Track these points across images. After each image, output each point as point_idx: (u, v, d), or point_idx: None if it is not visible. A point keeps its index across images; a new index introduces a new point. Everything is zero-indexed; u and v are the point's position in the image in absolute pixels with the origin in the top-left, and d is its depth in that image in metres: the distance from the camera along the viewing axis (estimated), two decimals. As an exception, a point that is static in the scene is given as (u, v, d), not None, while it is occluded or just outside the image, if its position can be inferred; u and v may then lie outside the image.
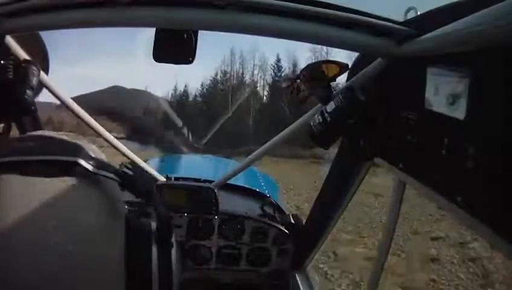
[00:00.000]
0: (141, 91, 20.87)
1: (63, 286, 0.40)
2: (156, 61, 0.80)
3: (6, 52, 0.88)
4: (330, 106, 0.77)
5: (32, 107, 0.91)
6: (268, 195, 1.93)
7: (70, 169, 0.44)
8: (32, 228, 0.40)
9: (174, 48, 0.79)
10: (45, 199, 0.41)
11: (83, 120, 1.27)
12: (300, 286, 1.49)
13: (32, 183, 0.42)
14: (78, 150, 0.47)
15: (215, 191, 1.61)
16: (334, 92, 0.80)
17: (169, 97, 22.00)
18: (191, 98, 22.77)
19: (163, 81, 22.75)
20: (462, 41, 0.48)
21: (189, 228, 1.58)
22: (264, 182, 2.34)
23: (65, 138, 0.50)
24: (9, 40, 0.88)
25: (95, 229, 0.44)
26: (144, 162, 1.60)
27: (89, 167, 0.46)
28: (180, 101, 21.90)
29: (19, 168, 0.42)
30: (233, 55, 21.74)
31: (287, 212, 1.80)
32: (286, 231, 1.58)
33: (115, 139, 1.39)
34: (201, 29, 0.73)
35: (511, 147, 0.45)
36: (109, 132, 1.36)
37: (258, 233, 1.59)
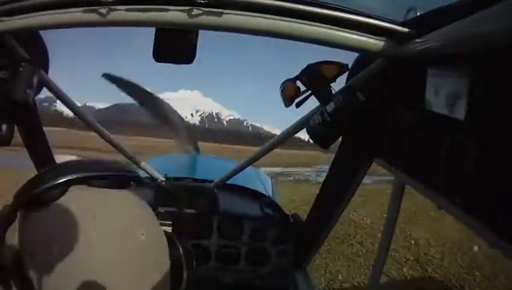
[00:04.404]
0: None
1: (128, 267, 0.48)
2: (155, 60, 0.80)
3: (6, 51, 0.88)
4: (330, 106, 0.77)
5: (32, 106, 0.91)
6: (267, 195, 1.93)
7: (126, 183, 0.54)
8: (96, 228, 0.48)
9: (174, 47, 0.79)
10: (107, 205, 0.49)
11: (82, 119, 1.27)
12: (300, 286, 1.48)
13: (96, 194, 0.50)
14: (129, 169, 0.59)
15: (215, 191, 1.61)
16: (334, 93, 0.80)
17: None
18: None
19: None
20: (462, 41, 0.48)
21: (189, 227, 1.58)
22: (263, 182, 2.34)
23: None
24: (9, 39, 0.88)
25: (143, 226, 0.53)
26: (143, 162, 1.60)
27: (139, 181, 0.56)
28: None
29: (87, 182, 0.50)
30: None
31: (286, 212, 1.80)
32: (285, 231, 1.58)
33: (114, 139, 1.39)
34: (201, 28, 0.73)
35: (510, 147, 0.45)
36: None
37: (258, 233, 1.59)
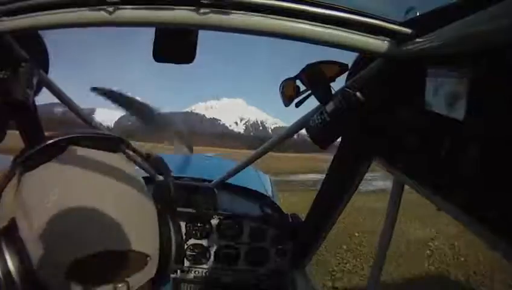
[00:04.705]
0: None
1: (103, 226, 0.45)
2: (155, 60, 0.80)
3: (6, 51, 0.88)
4: (329, 106, 0.77)
5: (32, 106, 0.91)
6: (267, 195, 1.93)
7: (118, 145, 0.55)
8: (89, 188, 0.47)
9: (174, 47, 0.78)
10: (100, 167, 0.50)
11: (82, 119, 1.27)
12: (299, 286, 1.49)
13: (92, 154, 0.51)
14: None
15: (214, 190, 1.61)
16: (333, 92, 0.80)
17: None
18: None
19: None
20: (462, 41, 0.48)
21: (188, 227, 1.58)
22: (263, 182, 2.35)
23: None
24: (9, 39, 0.88)
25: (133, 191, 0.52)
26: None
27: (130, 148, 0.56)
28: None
29: (82, 142, 0.51)
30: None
31: (286, 212, 1.80)
32: (285, 231, 1.59)
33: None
34: (207, 29, 0.73)
35: (510, 147, 0.45)
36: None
37: (257, 233, 1.60)
